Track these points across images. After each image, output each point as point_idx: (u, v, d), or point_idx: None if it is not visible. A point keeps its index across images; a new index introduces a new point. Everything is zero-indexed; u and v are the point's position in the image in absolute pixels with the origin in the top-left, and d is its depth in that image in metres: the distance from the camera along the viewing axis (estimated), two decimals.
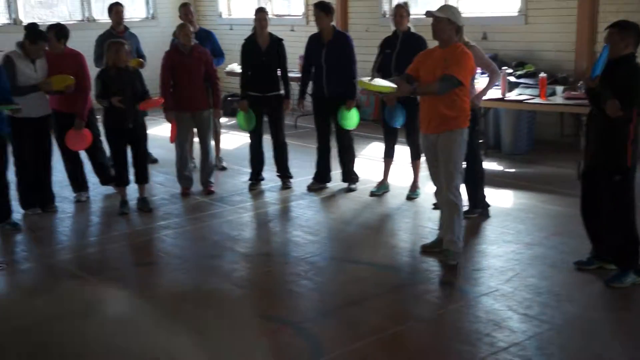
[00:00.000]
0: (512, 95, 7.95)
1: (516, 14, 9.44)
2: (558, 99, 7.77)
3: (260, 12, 7.27)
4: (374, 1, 11.11)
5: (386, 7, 11.07)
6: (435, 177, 5.34)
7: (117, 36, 8.09)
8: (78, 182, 7.14)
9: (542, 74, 7.97)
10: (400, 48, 6.74)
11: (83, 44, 7.58)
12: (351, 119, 7.03)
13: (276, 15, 12.90)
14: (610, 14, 8.58)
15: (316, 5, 7.14)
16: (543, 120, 8.99)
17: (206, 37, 7.97)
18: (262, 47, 7.18)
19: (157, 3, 13.97)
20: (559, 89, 7.91)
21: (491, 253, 5.44)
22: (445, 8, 5.16)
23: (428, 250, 5.43)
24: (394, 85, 5.42)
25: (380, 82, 5.49)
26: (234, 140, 9.70)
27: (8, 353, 0.52)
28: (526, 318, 4.34)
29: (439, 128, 5.11)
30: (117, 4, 8.53)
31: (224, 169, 8.23)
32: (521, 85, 8.29)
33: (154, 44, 10.69)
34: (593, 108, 4.87)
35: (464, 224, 5.36)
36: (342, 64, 6.91)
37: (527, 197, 6.91)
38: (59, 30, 6.76)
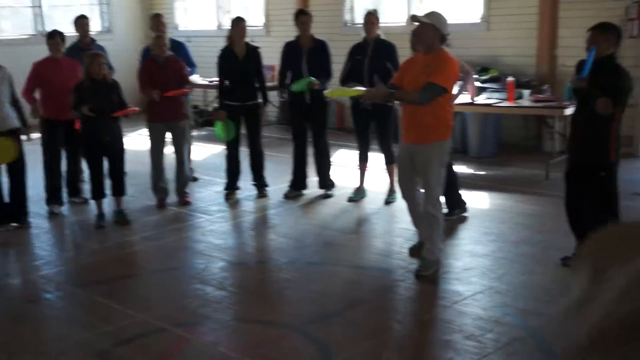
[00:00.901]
0: (481, 99, 8.11)
1: (478, 20, 9.65)
2: (525, 102, 7.98)
3: (240, 21, 7.26)
4: (337, 11, 11.19)
5: (347, 17, 11.18)
6: (404, 185, 5.25)
7: (84, 49, 7.98)
8: (56, 194, 7.08)
9: (510, 78, 8.17)
10: (371, 54, 6.83)
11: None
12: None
13: None
14: (569, 19, 8.89)
15: (302, 12, 7.25)
16: (508, 123, 9.21)
17: (177, 48, 7.90)
18: (240, 56, 7.17)
19: (112, 16, 13.81)
20: (526, 92, 8.12)
21: (478, 252, 5.54)
22: (432, 14, 5.15)
23: (416, 251, 5.48)
24: (361, 88, 5.48)
25: (345, 89, 5.59)
26: (201, 151, 9.64)
27: None
28: (524, 313, 4.43)
29: (419, 138, 5.01)
30: (82, 17, 8.41)
31: (195, 179, 8.16)
32: (488, 89, 8.48)
33: (110, 57, 10.53)
34: (579, 107, 5.01)
35: (442, 231, 5.37)
36: (322, 70, 6.96)
37: (502, 197, 7.06)
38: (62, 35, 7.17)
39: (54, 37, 7.13)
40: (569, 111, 7.52)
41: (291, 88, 6.99)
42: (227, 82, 7.22)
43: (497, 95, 8.26)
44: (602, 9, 8.47)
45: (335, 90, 5.42)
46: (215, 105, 7.34)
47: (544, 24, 9.04)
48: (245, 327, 4.47)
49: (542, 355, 3.96)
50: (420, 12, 10.31)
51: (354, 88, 5.39)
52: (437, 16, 5.07)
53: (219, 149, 9.95)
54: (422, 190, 5.19)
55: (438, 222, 5.10)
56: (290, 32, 11.24)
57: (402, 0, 10.45)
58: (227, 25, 12.91)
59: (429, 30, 5.00)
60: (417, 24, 5.12)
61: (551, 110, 7.72)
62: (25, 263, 5.86)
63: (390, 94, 5.15)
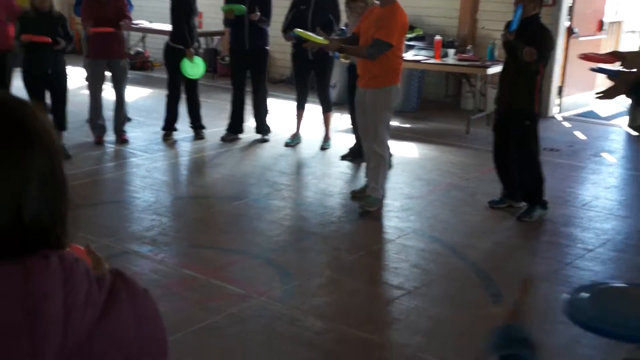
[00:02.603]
0: (409, 55, 8.55)
1: None
2: (450, 60, 8.48)
3: None
4: None
5: None
6: (361, 124, 5.72)
7: None
8: None
9: (438, 37, 8.64)
10: (314, 6, 7.09)
11: None
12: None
13: None
14: None
15: None
16: (430, 80, 9.72)
17: None
18: None
19: None
20: (451, 51, 8.62)
21: (413, 195, 6.00)
22: None
23: (357, 195, 5.87)
24: (320, 37, 5.79)
25: (312, 35, 5.84)
26: (133, 93, 9.63)
27: None
28: (461, 246, 4.93)
29: (368, 84, 5.44)
30: None
31: (129, 119, 8.20)
32: (415, 47, 8.93)
33: None
34: (507, 61, 5.51)
35: (387, 172, 5.85)
36: (262, 12, 7.15)
37: (428, 148, 7.56)
38: None
39: None
40: (492, 71, 8.10)
41: (222, 7, 7.19)
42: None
43: (424, 52, 8.72)
44: None
45: (305, 33, 5.66)
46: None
47: None
48: (207, 252, 4.75)
49: (480, 280, 4.46)
50: None
51: (318, 36, 5.64)
52: None
53: (149, 91, 10.01)
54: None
55: (384, 162, 5.53)
56: None
57: None
58: None
59: None
60: None
61: (475, 69, 8.26)
62: None
63: (341, 47, 5.51)
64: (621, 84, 4.05)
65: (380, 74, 5.39)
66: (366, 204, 5.54)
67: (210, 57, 10.88)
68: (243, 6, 7.05)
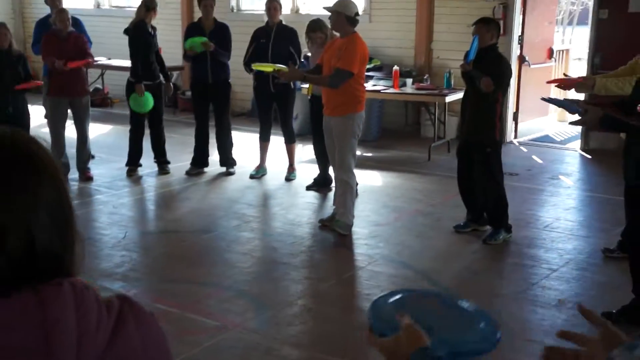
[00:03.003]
0: (369, 86, 8.72)
1: (361, 13, 10.26)
2: (409, 89, 8.68)
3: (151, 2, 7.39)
4: None
5: (234, 3, 11.47)
6: (330, 151, 5.86)
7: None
8: None
9: (395, 67, 8.84)
10: (274, 38, 7.22)
11: None
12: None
13: (115, 7, 12.78)
14: (444, 16, 9.71)
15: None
16: (389, 110, 9.90)
17: (75, 24, 7.88)
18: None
19: None
20: (409, 80, 8.82)
21: (380, 222, 6.09)
22: (340, 2, 5.68)
23: (326, 224, 5.94)
24: (282, 66, 5.92)
25: (269, 65, 5.97)
26: (95, 129, 9.59)
27: None
28: (429, 271, 5.03)
29: (333, 112, 5.62)
30: None
31: (92, 157, 8.17)
32: (374, 77, 9.12)
33: None
34: (467, 90, 5.68)
35: (354, 198, 5.96)
36: (224, 50, 7.26)
37: (391, 176, 7.69)
38: None
39: None
40: (449, 99, 8.31)
41: (185, 44, 7.22)
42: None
43: (382, 82, 8.90)
44: (473, 8, 9.34)
45: (260, 65, 5.82)
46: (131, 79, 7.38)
47: (422, 19, 9.80)
48: (180, 286, 4.75)
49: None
50: (306, 2, 10.86)
51: (276, 65, 5.78)
52: (344, 2, 5.58)
53: (110, 128, 9.98)
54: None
55: (351, 188, 5.67)
56: (172, 15, 11.44)
57: None
58: (106, 5, 12.84)
59: (337, 17, 5.55)
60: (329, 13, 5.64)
61: (434, 98, 8.46)
62: None
63: (304, 77, 5.65)
64: (593, 120, 4.24)
65: (344, 102, 5.56)
66: (339, 228, 5.66)
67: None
68: (204, 37, 7.14)
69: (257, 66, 6.37)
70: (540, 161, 8.39)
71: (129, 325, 1.15)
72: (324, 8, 5.78)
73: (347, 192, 5.65)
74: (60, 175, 1.15)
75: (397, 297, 1.50)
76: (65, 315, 1.07)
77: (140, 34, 7.29)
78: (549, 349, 1.37)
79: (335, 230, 5.70)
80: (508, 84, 5.74)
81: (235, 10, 11.44)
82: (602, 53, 8.65)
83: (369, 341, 1.36)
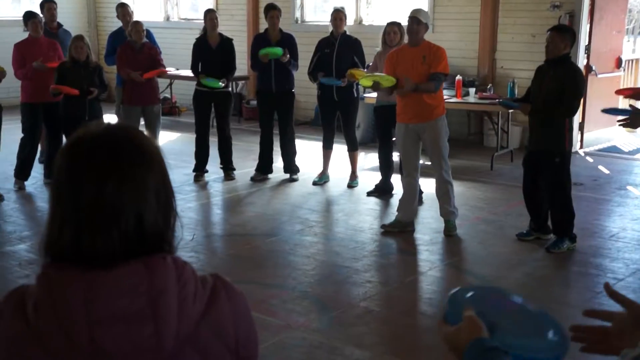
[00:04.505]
0: None
1: None
2: (472, 99, 8.68)
3: (210, 12, 7.63)
4: (287, 8, 11.65)
5: (298, 14, 11.68)
6: (408, 163, 5.95)
7: (51, 33, 8.19)
8: (25, 170, 7.26)
9: (458, 77, 8.85)
10: (339, 48, 7.34)
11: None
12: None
13: (183, 19, 13.16)
14: (508, 25, 9.67)
15: (272, 6, 7.62)
16: (452, 119, 9.88)
17: (147, 35, 8.18)
18: (213, 46, 7.55)
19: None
20: (471, 90, 8.82)
21: (442, 229, 6.09)
22: (421, 12, 5.88)
23: (388, 229, 6.02)
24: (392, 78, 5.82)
25: (381, 76, 5.91)
26: (165, 136, 9.92)
27: None
28: (491, 278, 5.04)
29: (425, 117, 5.78)
30: (50, 1, 8.56)
31: None
32: None
33: None
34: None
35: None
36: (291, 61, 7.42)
37: (454, 185, 7.66)
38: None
39: (35, 16, 7.31)
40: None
41: (260, 52, 7.33)
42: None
43: (446, 92, 8.90)
44: (538, 18, 9.29)
45: (371, 76, 5.90)
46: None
47: (485, 29, 9.78)
48: (245, 287, 4.76)
49: None
50: (369, 13, 10.99)
51: (386, 77, 5.78)
52: (424, 13, 5.88)
53: (178, 135, 10.29)
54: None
55: (452, 187, 5.93)
56: (238, 26, 11.71)
57: (351, 0, 11.02)
58: (175, 17, 13.25)
59: (419, 26, 5.75)
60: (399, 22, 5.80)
61: (497, 107, 8.42)
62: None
63: (415, 88, 5.71)
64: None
65: (436, 106, 5.84)
66: (448, 229, 5.89)
67: (236, 101, 11.16)
68: (280, 49, 7.30)
69: (366, 80, 6.10)
70: (607, 171, 8.26)
71: (222, 299, 1.28)
72: (414, 19, 5.80)
73: (450, 190, 5.90)
74: (164, 163, 1.30)
75: (474, 292, 1.50)
76: (169, 284, 1.21)
77: (195, 46, 7.64)
78: (576, 327, 1.40)
79: (446, 233, 5.86)
80: (581, 95, 5.72)
81: (299, 22, 11.65)
82: None
83: (438, 329, 1.42)
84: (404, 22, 6.93)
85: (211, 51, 7.52)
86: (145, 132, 1.34)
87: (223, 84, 7.47)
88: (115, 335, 1.17)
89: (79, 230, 1.21)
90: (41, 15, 7.59)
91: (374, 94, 7.23)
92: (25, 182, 7.28)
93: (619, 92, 5.92)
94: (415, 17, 5.76)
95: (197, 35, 7.77)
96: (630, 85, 10.85)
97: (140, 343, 1.18)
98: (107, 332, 1.17)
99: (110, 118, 9.31)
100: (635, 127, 4.48)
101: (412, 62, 5.71)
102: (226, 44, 7.61)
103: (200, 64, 7.60)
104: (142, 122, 7.59)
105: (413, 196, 6.08)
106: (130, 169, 1.23)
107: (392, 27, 6.94)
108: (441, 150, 5.82)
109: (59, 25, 8.56)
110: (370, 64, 7.31)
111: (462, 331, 1.34)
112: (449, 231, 5.91)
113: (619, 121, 5.02)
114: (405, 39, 6.76)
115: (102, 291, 1.18)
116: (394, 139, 6.90)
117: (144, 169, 1.24)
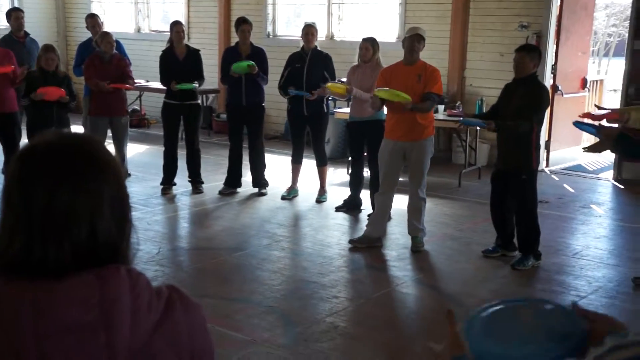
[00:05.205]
0: None
1: (394, 40, 10.41)
2: (441, 116, 8.75)
3: (177, 24, 7.61)
4: (260, 23, 11.68)
5: (270, 28, 11.71)
6: (388, 179, 5.98)
7: (17, 41, 8.11)
8: None
9: None
10: (309, 63, 7.37)
11: None
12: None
13: (155, 31, 13.10)
14: (477, 44, 9.80)
15: (243, 20, 7.61)
16: None
17: (117, 46, 8.13)
18: (180, 58, 7.52)
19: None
20: (441, 107, 8.89)
21: (409, 245, 6.12)
22: (422, 30, 5.97)
23: (356, 244, 6.03)
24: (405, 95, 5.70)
25: (393, 91, 5.76)
26: (132, 149, 9.82)
27: None
28: (459, 294, 5.06)
29: (415, 136, 5.82)
30: (17, 9, 8.49)
31: (128, 175, 8.37)
32: None
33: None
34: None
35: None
36: (263, 72, 7.43)
37: None
38: None
39: None
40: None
41: (232, 68, 7.30)
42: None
43: None
44: (506, 37, 9.43)
45: (383, 91, 5.73)
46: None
47: (455, 48, 9.90)
48: (210, 302, 4.84)
49: None
50: (341, 29, 11.06)
51: (404, 95, 5.71)
52: (423, 30, 5.96)
53: (146, 147, 10.21)
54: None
55: (425, 205, 6.01)
56: (209, 39, 11.71)
57: (323, 15, 11.08)
58: (146, 29, 13.19)
59: (420, 43, 5.85)
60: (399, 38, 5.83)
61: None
62: None
63: (410, 108, 5.69)
64: (607, 139, 4.29)
65: (426, 126, 5.89)
66: (415, 245, 5.94)
67: (206, 114, 11.12)
68: (252, 62, 7.28)
69: (379, 93, 5.89)
70: (571, 190, 8.38)
71: (177, 311, 1.27)
72: (417, 35, 5.81)
73: (422, 208, 5.97)
74: (121, 175, 1.29)
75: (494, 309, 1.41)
76: (122, 294, 1.19)
77: (162, 58, 7.64)
78: None
79: (413, 249, 5.91)
80: (544, 114, 5.81)
81: (271, 36, 11.67)
82: (636, 84, 8.66)
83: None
84: (380, 38, 7.04)
85: (178, 63, 7.50)
86: (113, 144, 1.32)
87: (197, 85, 7.44)
88: (66, 348, 1.15)
89: (29, 239, 1.19)
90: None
91: (346, 109, 7.25)
92: None
93: (584, 115, 6.00)
94: (418, 35, 5.82)
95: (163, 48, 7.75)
96: (593, 106, 11.04)
97: (92, 355, 1.16)
98: (57, 346, 1.15)
99: (77, 129, 9.23)
100: (600, 152, 4.58)
101: (405, 80, 5.73)
102: (193, 55, 7.59)
103: (167, 77, 7.57)
104: (109, 133, 7.54)
105: (385, 214, 6.13)
106: (84, 177, 1.21)
107: (365, 43, 6.97)
108: (423, 169, 5.91)
109: (26, 34, 8.48)
110: (343, 79, 7.33)
111: (448, 347, 1.38)
112: (417, 247, 5.94)
113: (584, 148, 5.12)
114: (378, 55, 6.85)
115: (52, 303, 1.16)
116: (365, 154, 6.96)
117: (99, 178, 1.23)
